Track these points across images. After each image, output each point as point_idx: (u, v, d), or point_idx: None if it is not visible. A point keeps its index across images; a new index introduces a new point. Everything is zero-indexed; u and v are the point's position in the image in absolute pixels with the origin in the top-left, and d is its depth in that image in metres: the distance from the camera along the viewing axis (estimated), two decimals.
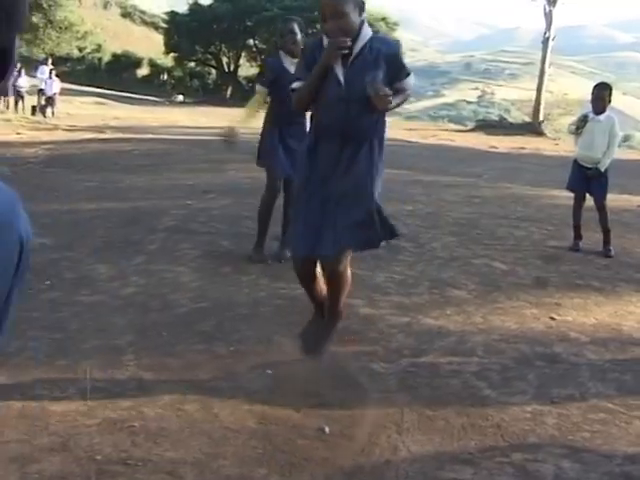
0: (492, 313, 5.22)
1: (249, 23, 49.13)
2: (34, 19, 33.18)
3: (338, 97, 3.75)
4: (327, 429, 3.50)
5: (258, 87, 6.19)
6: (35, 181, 9.90)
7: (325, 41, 3.78)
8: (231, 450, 3.27)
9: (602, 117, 7.12)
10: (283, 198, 6.10)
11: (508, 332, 4.88)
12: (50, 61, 24.31)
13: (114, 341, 4.41)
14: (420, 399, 3.84)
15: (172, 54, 54.53)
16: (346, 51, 3.70)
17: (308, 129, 4.12)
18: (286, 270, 5.12)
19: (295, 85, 3.91)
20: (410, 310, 5.19)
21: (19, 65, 23.42)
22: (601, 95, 7.12)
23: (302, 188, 3.90)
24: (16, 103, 23.13)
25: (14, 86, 22.63)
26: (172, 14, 56.15)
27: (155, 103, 41.96)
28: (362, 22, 3.77)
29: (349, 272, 3.99)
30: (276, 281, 5.62)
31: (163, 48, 54.66)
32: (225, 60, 55.09)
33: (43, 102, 22.59)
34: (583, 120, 7.22)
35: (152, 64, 60.88)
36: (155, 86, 56.93)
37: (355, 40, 3.72)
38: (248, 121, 6.10)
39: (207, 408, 3.64)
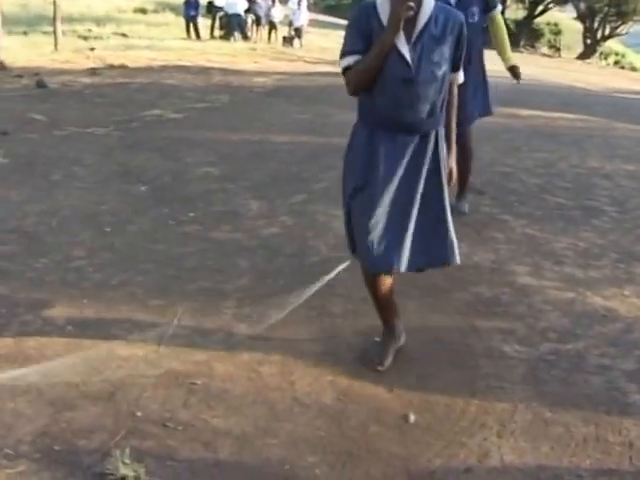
0: None
1: None
2: None
3: (403, 78, 3.04)
4: (413, 418, 2.99)
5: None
6: (246, 110, 9.88)
7: (381, 3, 3.05)
8: (288, 428, 2.87)
9: None
10: None
11: None
12: None
13: (223, 285, 4.11)
14: (545, 396, 3.19)
15: None
16: (412, 13, 2.96)
17: (358, 117, 3.30)
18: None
19: (349, 61, 3.10)
20: (580, 285, 4.40)
21: None
22: None
23: (359, 191, 3.18)
24: (269, 33, 23.44)
25: (267, 16, 22.93)
26: None
27: None
28: None
29: None
30: None
31: None
32: None
33: (292, 33, 22.69)
34: None
35: None
36: None
37: (419, 5, 3.01)
38: None
39: (285, 373, 3.24)
